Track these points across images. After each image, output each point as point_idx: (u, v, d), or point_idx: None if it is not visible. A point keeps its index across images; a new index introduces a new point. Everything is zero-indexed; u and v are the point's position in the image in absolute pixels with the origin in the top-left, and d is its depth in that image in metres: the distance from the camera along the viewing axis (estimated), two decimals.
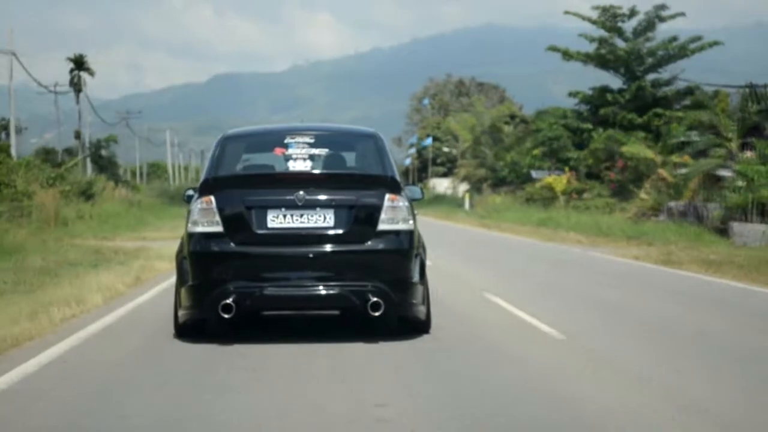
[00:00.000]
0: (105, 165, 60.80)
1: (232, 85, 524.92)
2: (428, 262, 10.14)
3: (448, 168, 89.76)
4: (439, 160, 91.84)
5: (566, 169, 50.24)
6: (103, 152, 61.65)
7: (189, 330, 9.51)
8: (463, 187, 74.27)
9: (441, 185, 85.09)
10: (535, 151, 54.72)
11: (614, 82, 50.71)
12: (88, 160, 60.84)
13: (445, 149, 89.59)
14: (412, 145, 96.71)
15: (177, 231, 28.33)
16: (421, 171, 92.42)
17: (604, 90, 51.10)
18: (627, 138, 44.69)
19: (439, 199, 73.67)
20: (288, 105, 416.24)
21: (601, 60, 50.68)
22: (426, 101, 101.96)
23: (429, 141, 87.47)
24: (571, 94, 53.01)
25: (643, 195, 38.10)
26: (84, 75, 65.71)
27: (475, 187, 67.94)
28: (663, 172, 37.95)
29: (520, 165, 58.49)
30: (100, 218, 37.40)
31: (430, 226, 37.12)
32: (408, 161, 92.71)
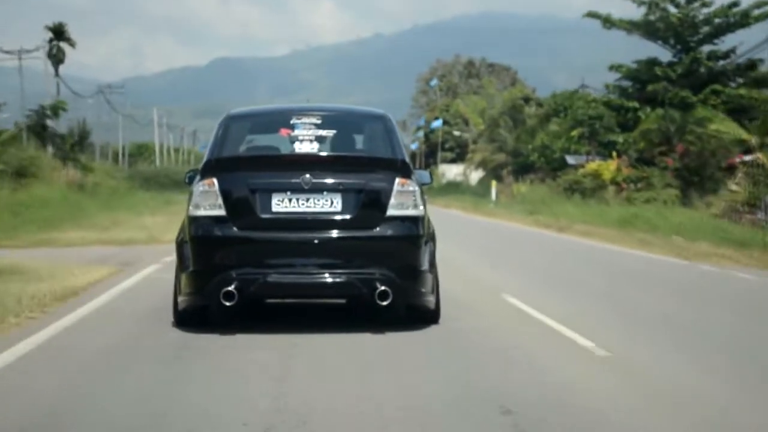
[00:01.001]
0: (50, 138, 47.99)
1: (232, 69, 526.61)
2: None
3: (457, 153, 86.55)
4: (447, 145, 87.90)
5: (613, 154, 45.43)
6: (49, 122, 49.41)
7: (189, 317, 9.74)
8: (476, 174, 70.49)
9: (450, 171, 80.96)
10: (573, 132, 50.55)
11: (662, 54, 46.47)
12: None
13: (456, 133, 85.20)
14: (419, 128, 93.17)
15: (118, 230, 25.36)
16: (428, 156, 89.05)
17: (653, 63, 46.09)
18: (711, 114, 39.61)
19: (451, 187, 68.65)
20: (289, 89, 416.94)
21: (649, 28, 45.94)
22: (434, 82, 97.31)
23: (439, 123, 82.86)
24: (613, 68, 47.79)
25: (733, 186, 32.65)
26: (65, 46, 63.32)
27: (493, 174, 62.54)
28: (763, 157, 31.65)
29: (551, 149, 54.05)
30: (23, 207, 29.75)
31: (464, 224, 34.38)
32: (415, 145, 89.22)
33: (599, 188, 42.47)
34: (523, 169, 58.03)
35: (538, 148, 55.26)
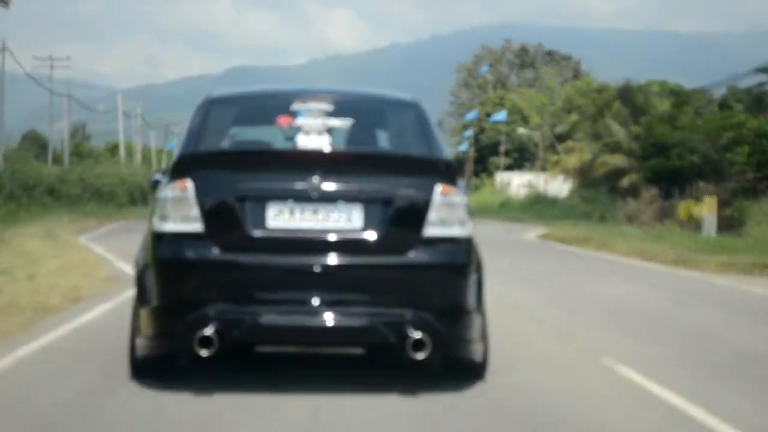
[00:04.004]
0: None
1: (248, 78, 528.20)
2: None
3: (515, 159, 71.60)
4: (501, 149, 72.55)
5: None
6: None
7: (150, 367, 7.35)
8: (565, 186, 52.32)
9: (513, 182, 65.56)
10: None
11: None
12: None
13: (522, 130, 68.65)
14: (466, 126, 75.28)
15: None
16: (477, 162, 74.27)
17: None
18: None
19: (543, 206, 50.22)
20: None
21: None
22: (485, 68, 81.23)
23: (502, 116, 66.83)
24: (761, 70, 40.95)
25: None
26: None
27: (608, 185, 45.17)
28: None
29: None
30: None
31: None
32: (464, 147, 72.93)
33: None
34: (663, 178, 41.81)
35: (708, 146, 40.08)
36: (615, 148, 45.49)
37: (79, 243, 23.07)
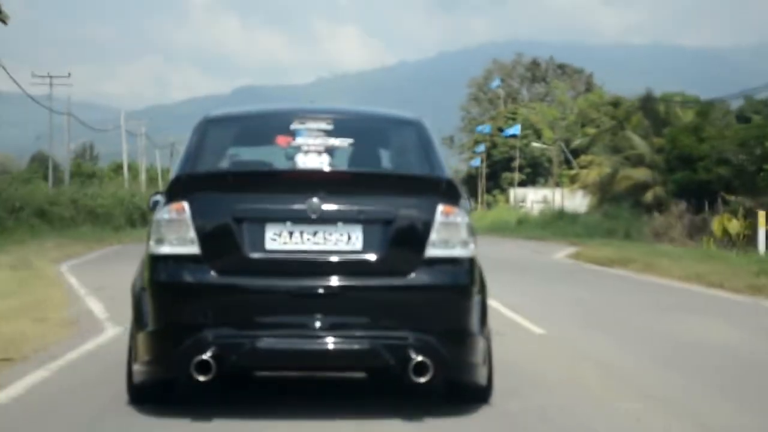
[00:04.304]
0: None
1: (256, 97, 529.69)
2: None
3: (528, 174, 69.96)
4: (515, 163, 70.10)
5: None
6: None
7: (148, 394, 7.19)
8: (584, 202, 50.12)
9: (528, 198, 64.20)
10: None
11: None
12: None
13: (536, 144, 66.91)
14: (478, 141, 72.84)
15: None
16: (490, 178, 72.13)
17: None
18: None
19: (565, 223, 47.25)
20: None
21: None
22: (497, 82, 79.10)
23: (516, 129, 65.24)
24: None
25: None
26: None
27: (632, 200, 42.92)
28: None
29: None
30: None
31: None
32: (476, 162, 70.67)
33: None
34: (699, 192, 38.97)
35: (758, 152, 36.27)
36: (637, 161, 43.66)
37: (53, 274, 20.23)
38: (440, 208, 6.95)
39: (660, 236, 38.70)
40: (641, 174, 43.02)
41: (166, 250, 6.85)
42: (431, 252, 6.89)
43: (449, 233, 6.94)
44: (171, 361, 6.75)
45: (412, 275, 6.86)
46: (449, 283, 6.92)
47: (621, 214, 42.35)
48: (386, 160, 7.96)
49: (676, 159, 42.02)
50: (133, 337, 7.13)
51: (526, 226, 52.47)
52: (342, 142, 7.42)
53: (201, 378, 6.61)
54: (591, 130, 52.58)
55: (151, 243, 6.93)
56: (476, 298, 7.08)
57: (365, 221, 6.89)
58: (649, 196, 42.64)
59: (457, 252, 6.95)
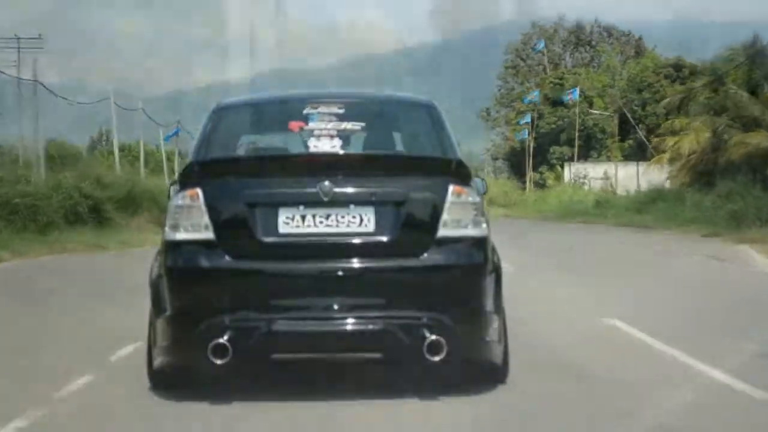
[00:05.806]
0: None
1: (276, 83, 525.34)
2: None
3: (580, 147, 60.94)
4: (574, 134, 60.62)
5: None
6: None
7: (168, 379, 7.34)
8: (648, 177, 43.33)
9: (593, 176, 55.10)
10: None
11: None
12: None
13: (594, 111, 58.47)
14: (520, 112, 64.13)
15: None
16: (535, 154, 63.77)
17: None
18: None
19: (655, 202, 38.83)
20: None
21: None
22: (541, 44, 69.91)
23: (575, 94, 56.67)
24: None
25: None
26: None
27: (748, 175, 32.92)
28: None
29: None
30: None
31: None
32: (524, 134, 62.64)
33: None
34: None
35: None
36: (750, 123, 34.81)
37: None
38: (451, 188, 7.05)
39: None
40: (759, 139, 33.84)
41: (181, 236, 7.00)
42: (443, 232, 7.00)
43: (461, 213, 7.04)
44: (188, 346, 6.90)
45: (425, 255, 6.96)
46: (462, 263, 7.03)
47: (748, 191, 31.22)
48: (399, 143, 8.08)
49: None
50: (151, 323, 7.30)
51: (610, 210, 43.32)
52: (354, 126, 7.55)
53: (218, 361, 6.75)
54: (671, 91, 43.91)
55: (167, 229, 7.10)
56: (489, 277, 7.19)
57: (377, 203, 7.00)
58: None
59: (470, 231, 7.05)
